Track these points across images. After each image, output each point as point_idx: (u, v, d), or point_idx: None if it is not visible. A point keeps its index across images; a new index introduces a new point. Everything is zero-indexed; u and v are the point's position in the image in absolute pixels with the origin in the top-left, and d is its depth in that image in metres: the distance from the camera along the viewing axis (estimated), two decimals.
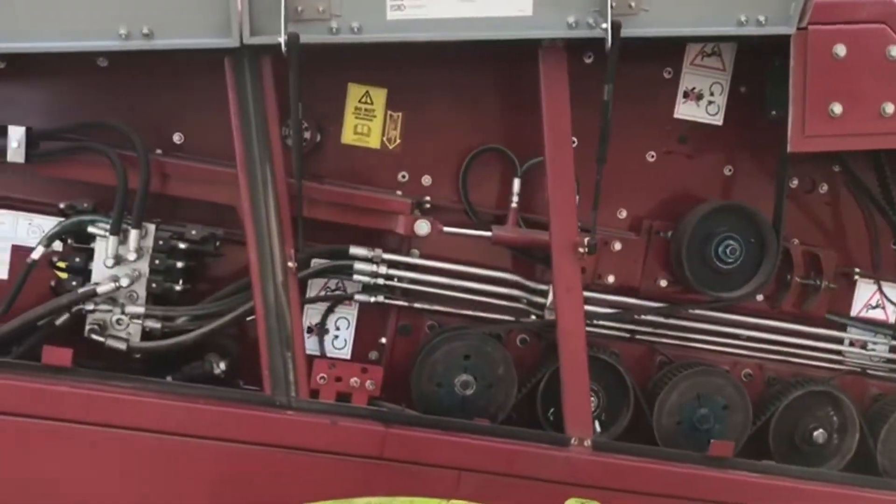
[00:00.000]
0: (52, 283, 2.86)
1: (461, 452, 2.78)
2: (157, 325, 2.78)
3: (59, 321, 2.73)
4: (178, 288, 2.82)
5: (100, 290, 2.69)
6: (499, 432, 2.86)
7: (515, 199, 3.02)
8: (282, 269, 2.73)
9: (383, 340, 3.15)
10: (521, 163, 3.06)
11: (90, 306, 2.72)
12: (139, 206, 2.71)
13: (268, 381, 2.77)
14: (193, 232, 2.81)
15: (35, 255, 2.73)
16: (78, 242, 2.81)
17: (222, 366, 2.93)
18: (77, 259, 2.79)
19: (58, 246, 2.83)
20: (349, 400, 2.86)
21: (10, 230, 2.95)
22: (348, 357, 3.15)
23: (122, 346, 2.74)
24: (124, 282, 2.70)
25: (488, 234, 2.97)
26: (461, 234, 3.01)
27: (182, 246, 2.80)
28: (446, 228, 2.98)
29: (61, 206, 2.82)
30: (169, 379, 2.91)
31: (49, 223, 2.92)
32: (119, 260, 2.74)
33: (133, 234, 2.73)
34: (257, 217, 2.71)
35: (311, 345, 3.08)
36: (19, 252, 2.93)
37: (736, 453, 2.99)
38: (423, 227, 2.93)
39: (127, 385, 2.67)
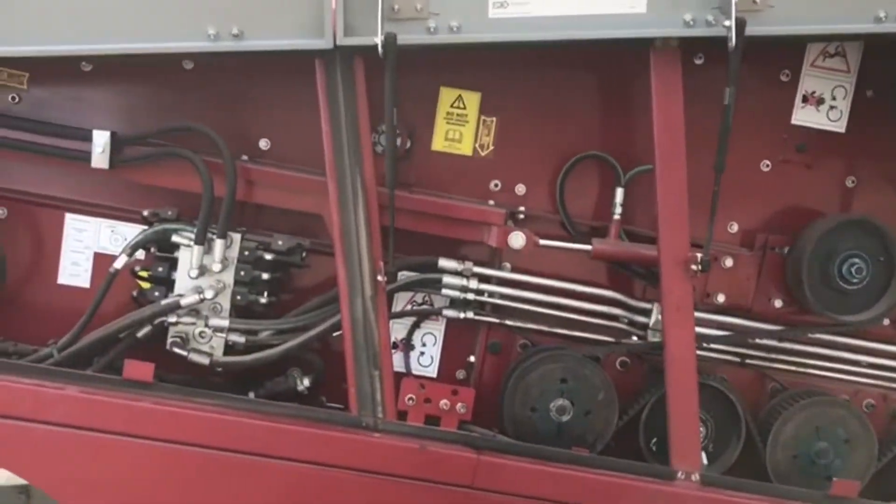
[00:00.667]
0: (134, 294, 2.78)
1: (558, 484, 2.58)
2: (241, 338, 2.67)
3: (140, 333, 2.64)
4: (262, 301, 2.69)
5: (183, 301, 2.59)
6: (598, 463, 2.65)
7: (618, 210, 2.83)
8: (371, 282, 2.58)
9: (472, 359, 2.98)
10: (623, 171, 2.87)
11: (172, 318, 2.63)
12: (225, 214, 2.60)
13: (354, 400, 2.62)
14: (280, 242, 2.68)
15: (118, 264, 2.64)
16: (161, 251, 2.73)
17: (306, 382, 2.81)
18: (160, 269, 2.69)
19: (140, 254, 2.75)
20: (438, 423, 2.70)
21: (92, 237, 2.88)
22: (434, 375, 3.00)
23: (204, 360, 2.63)
24: (209, 293, 2.60)
25: (587, 247, 2.77)
26: (558, 247, 2.82)
27: (268, 257, 2.68)
28: (543, 241, 2.80)
29: (145, 213, 2.73)
30: (251, 395, 2.82)
31: (132, 231, 2.84)
32: (203, 270, 2.63)
33: (218, 243, 2.62)
34: (346, 227, 2.56)
35: (396, 361, 2.94)
36: (101, 260, 2.88)
37: (860, 493, 2.73)
38: (518, 239, 2.75)
39: (210, 402, 2.55)
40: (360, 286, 2.58)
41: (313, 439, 2.57)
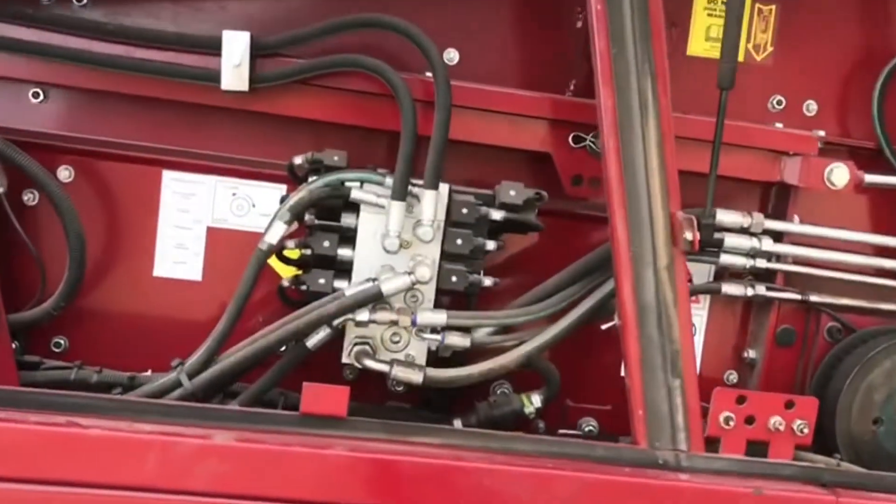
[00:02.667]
0: (285, 283, 1.87)
1: None
2: (463, 341, 1.77)
3: (313, 342, 1.72)
4: (487, 283, 1.82)
5: (387, 286, 1.66)
6: None
7: None
8: (665, 247, 1.70)
9: (750, 354, 2.13)
10: None
11: (363, 315, 1.69)
12: (437, 152, 1.69)
13: (640, 425, 1.73)
14: (512, 192, 1.79)
15: (271, 236, 1.70)
16: (320, 217, 1.82)
17: (536, 401, 1.93)
18: (325, 242, 1.79)
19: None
20: (765, 452, 1.84)
21: (204, 204, 1.94)
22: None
23: (416, 378, 1.73)
24: (423, 273, 1.69)
25: None
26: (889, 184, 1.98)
27: (496, 216, 1.79)
28: (871, 177, 1.95)
29: (297, 160, 1.80)
30: (458, 424, 1.92)
31: (263, 193, 1.94)
32: (401, 242, 1.75)
33: (428, 197, 1.70)
34: (630, 162, 1.69)
35: None
36: (219, 239, 1.96)
37: None
38: (841, 174, 1.90)
39: (456, 443, 1.64)
40: (650, 253, 1.70)
41: (593, 487, 1.69)
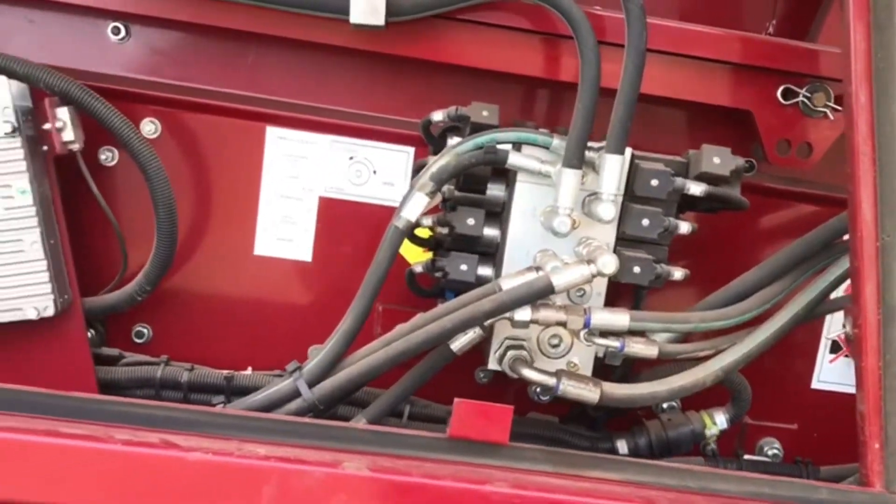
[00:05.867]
0: (417, 269, 1.52)
1: None
2: (648, 349, 1.40)
3: (458, 344, 1.34)
4: (678, 275, 1.45)
5: (559, 280, 1.25)
6: None
7: None
8: None
9: None
10: None
11: (523, 314, 1.34)
12: (626, 109, 1.28)
13: (877, 462, 1.37)
14: (717, 160, 1.39)
15: (410, 213, 1.32)
16: (464, 189, 1.45)
17: (722, 422, 1.56)
18: (470, 220, 1.44)
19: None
20: None
21: (315, 170, 1.59)
22: None
23: (591, 396, 1.32)
24: (607, 264, 1.28)
25: None
26: None
27: (694, 189, 1.39)
28: None
29: (435, 116, 1.42)
30: (622, 446, 1.56)
31: (385, 156, 1.59)
32: (573, 222, 1.38)
33: (611, 163, 1.29)
34: (886, 127, 1.27)
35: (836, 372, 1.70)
36: (332, 211, 1.62)
37: None
38: None
39: (624, 479, 1.27)
40: None
41: None
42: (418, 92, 1.54)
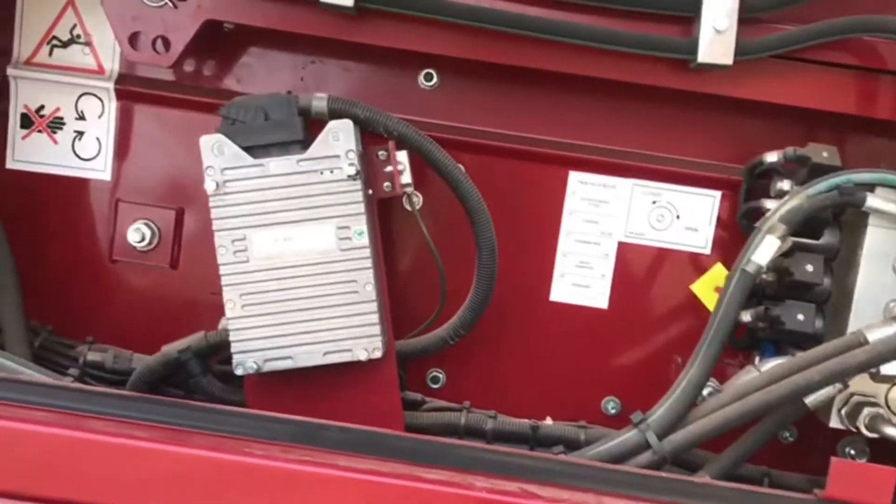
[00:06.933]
0: (745, 319, 1.43)
1: None
2: None
3: (813, 398, 1.24)
4: None
5: None
6: None
7: None
8: None
9: None
10: None
11: (889, 367, 1.27)
12: None
13: None
14: None
15: (761, 257, 1.24)
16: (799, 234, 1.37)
17: None
18: (809, 266, 1.36)
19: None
20: None
21: (616, 214, 1.55)
22: None
23: None
24: None
25: None
26: None
27: None
28: None
29: (768, 157, 1.37)
30: None
31: (694, 201, 1.53)
32: None
33: None
34: None
35: None
36: (630, 255, 1.57)
37: None
38: None
39: None
40: None
41: None
42: (727, 134, 1.50)
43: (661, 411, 1.27)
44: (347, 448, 1.22)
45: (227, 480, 1.17)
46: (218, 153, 1.35)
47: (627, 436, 1.28)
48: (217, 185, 1.35)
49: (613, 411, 1.60)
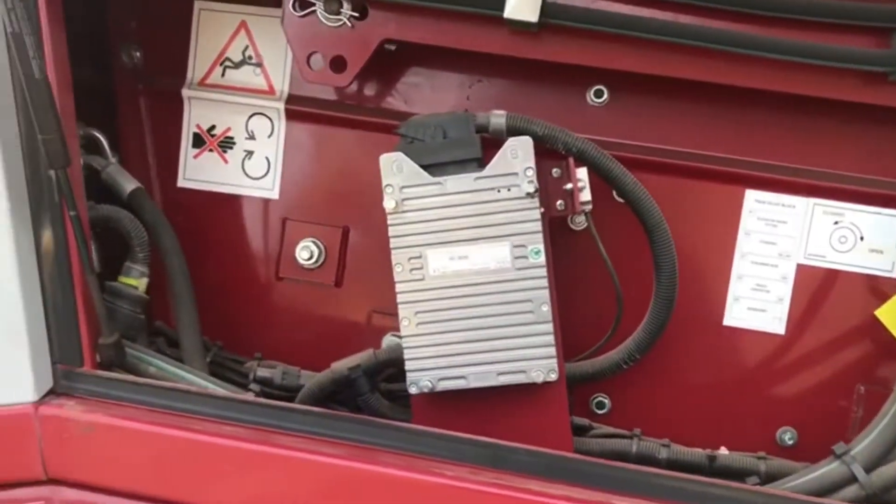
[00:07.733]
0: None
1: None
2: None
3: None
4: None
5: None
6: None
7: None
8: None
9: None
10: None
11: None
12: None
13: None
14: None
15: None
16: None
17: None
18: None
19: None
20: None
21: (795, 235, 1.49)
22: None
23: None
24: None
25: None
26: None
27: None
28: None
29: None
30: None
31: (879, 222, 1.44)
32: None
33: None
34: None
35: None
36: (810, 278, 1.49)
37: None
38: None
39: None
40: None
41: None
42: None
43: (866, 442, 1.19)
44: (536, 472, 1.19)
45: (417, 500, 1.16)
46: (397, 171, 1.35)
47: (829, 468, 1.20)
48: (396, 203, 1.35)
49: (791, 442, 1.51)
